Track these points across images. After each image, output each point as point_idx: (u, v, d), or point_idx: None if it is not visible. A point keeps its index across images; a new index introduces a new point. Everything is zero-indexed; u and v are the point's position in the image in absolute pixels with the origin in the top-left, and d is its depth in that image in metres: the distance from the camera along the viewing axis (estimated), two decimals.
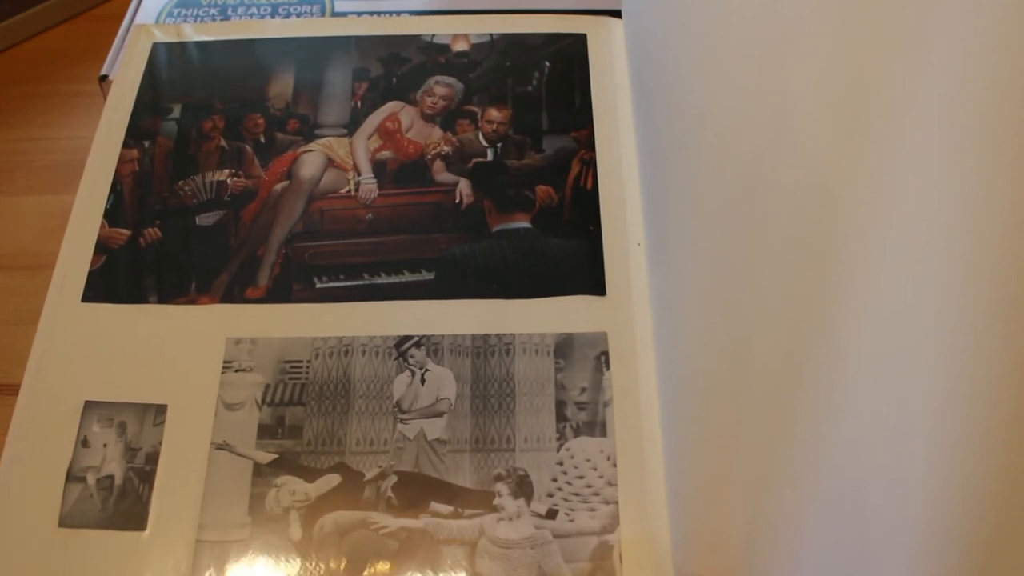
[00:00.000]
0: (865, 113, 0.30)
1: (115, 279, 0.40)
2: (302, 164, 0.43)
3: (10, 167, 0.48)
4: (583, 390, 0.37)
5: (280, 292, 0.40)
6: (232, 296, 0.40)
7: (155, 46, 0.46)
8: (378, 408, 0.37)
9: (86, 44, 0.54)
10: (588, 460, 0.36)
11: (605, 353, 0.38)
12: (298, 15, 0.50)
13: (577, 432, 0.37)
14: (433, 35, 0.47)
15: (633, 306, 0.39)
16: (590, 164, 0.43)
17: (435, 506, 0.35)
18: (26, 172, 0.48)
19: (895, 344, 0.29)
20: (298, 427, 0.37)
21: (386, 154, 0.44)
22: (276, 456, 0.36)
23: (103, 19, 0.55)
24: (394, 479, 0.36)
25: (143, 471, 0.36)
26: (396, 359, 0.38)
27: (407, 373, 0.38)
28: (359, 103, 0.45)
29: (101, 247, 0.41)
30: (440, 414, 0.37)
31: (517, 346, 0.38)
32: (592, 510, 0.35)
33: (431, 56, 0.47)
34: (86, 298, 0.39)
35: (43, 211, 0.46)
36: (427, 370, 0.38)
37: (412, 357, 0.38)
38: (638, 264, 0.40)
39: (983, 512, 0.28)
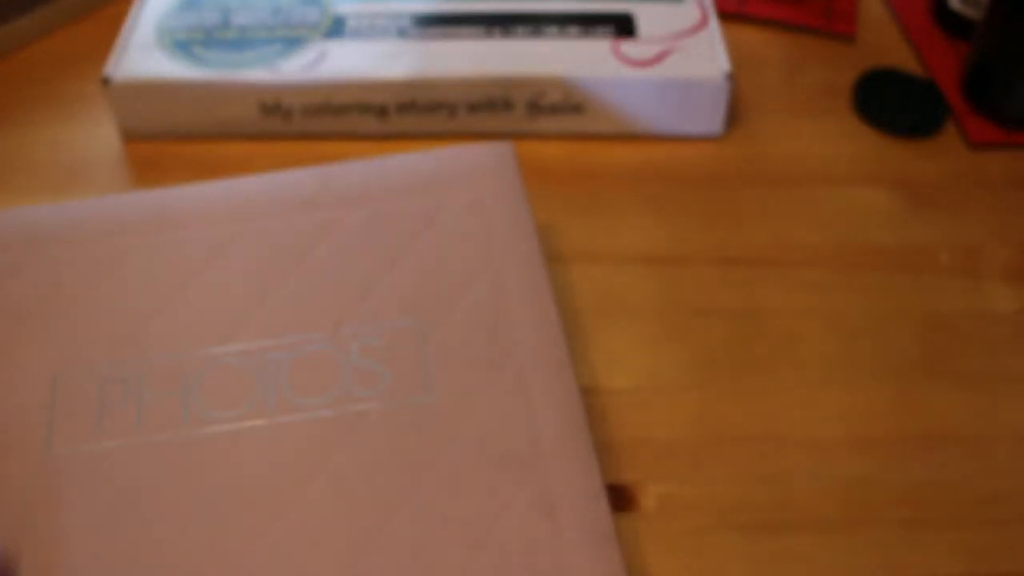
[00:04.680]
0: None
1: None
2: None
3: (11, 169, 0.48)
4: None
5: None
6: None
7: None
8: None
9: (89, 46, 0.54)
10: None
11: None
12: (299, 16, 0.50)
13: None
14: None
15: None
16: None
17: None
18: (27, 174, 0.48)
19: None
20: None
21: None
22: None
23: (106, 21, 0.55)
24: None
25: None
26: None
27: None
28: None
29: None
30: None
31: None
32: None
33: None
34: None
35: None
36: None
37: None
38: None
39: None
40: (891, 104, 0.51)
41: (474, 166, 0.40)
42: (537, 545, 0.30)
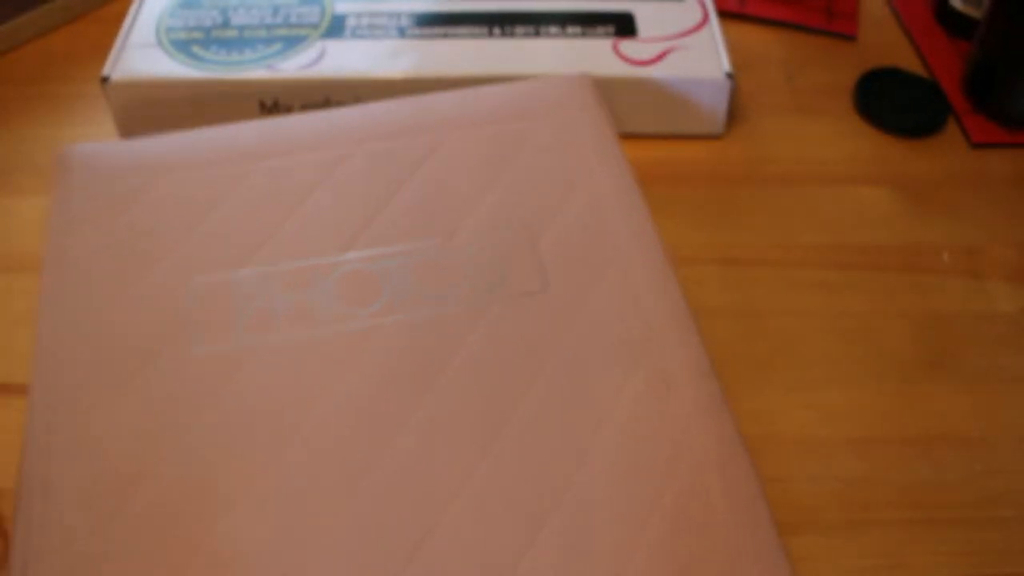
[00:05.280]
0: None
1: None
2: None
3: (11, 168, 0.48)
4: None
5: None
6: None
7: None
8: None
9: (88, 46, 0.54)
10: None
11: None
12: (298, 15, 0.50)
13: None
14: None
15: None
16: None
17: None
18: (27, 173, 0.48)
19: None
20: None
21: None
22: None
23: (105, 21, 0.55)
24: None
25: None
26: None
27: None
28: None
29: None
30: None
31: None
32: None
33: None
34: None
35: (44, 212, 0.46)
36: None
37: None
38: None
39: None
40: (892, 104, 0.51)
41: (559, 93, 0.42)
42: (657, 418, 0.32)
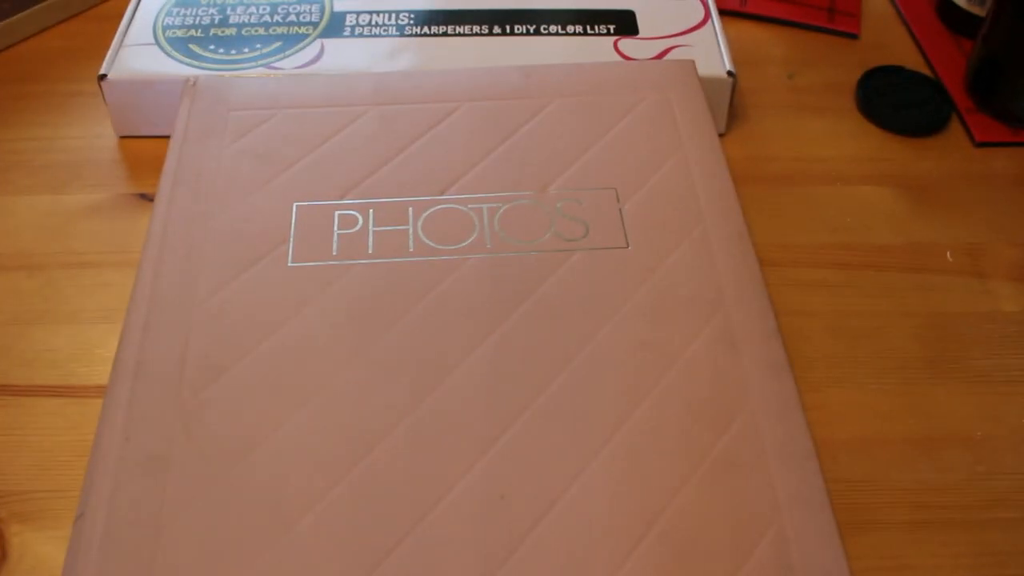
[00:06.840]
0: None
1: None
2: None
3: (8, 167, 0.48)
4: None
5: None
6: None
7: None
8: None
9: (85, 43, 0.54)
10: None
11: None
12: (296, 15, 0.50)
13: None
14: None
15: None
16: None
17: None
18: (24, 172, 0.47)
19: None
20: None
21: None
22: None
23: (102, 19, 0.55)
24: None
25: None
26: None
27: None
28: None
29: None
30: None
31: None
32: None
33: None
34: None
35: (41, 211, 0.45)
36: None
37: None
38: None
39: None
40: (895, 103, 0.51)
41: (663, 73, 0.45)
42: (721, 371, 0.35)
